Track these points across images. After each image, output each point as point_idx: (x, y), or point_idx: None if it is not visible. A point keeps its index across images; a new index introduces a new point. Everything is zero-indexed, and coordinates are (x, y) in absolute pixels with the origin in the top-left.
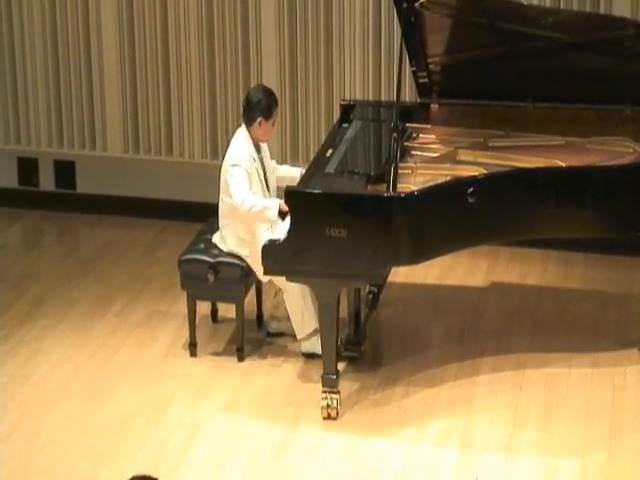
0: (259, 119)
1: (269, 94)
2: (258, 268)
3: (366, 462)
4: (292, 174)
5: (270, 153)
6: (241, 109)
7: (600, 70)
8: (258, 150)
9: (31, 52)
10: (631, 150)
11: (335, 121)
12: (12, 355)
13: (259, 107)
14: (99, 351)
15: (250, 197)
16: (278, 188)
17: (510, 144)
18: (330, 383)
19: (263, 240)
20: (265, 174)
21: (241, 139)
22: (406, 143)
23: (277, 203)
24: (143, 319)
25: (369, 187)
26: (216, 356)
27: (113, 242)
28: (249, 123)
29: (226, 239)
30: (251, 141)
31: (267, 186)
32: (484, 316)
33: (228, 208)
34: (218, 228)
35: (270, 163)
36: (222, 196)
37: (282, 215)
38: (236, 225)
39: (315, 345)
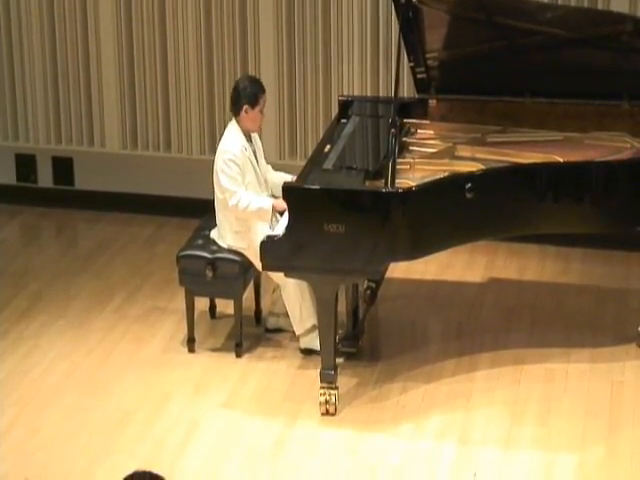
0: (245, 106)
1: (254, 81)
2: (257, 261)
3: (364, 457)
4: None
5: (268, 149)
6: None
7: (598, 65)
8: (249, 139)
9: (29, 48)
10: (629, 145)
11: (333, 117)
12: (10, 351)
13: (244, 94)
14: (97, 347)
15: (244, 197)
16: (273, 195)
17: (508, 139)
18: (328, 379)
19: (261, 235)
20: (257, 163)
21: (231, 132)
22: (404, 139)
23: (271, 203)
24: (141, 315)
25: (367, 183)
26: (214, 352)
27: (111, 238)
28: (237, 112)
29: (224, 235)
30: (241, 132)
31: (260, 174)
32: (482, 312)
33: (222, 203)
34: (216, 224)
35: (261, 152)
36: (216, 191)
37: (279, 213)
38: (230, 219)
39: (313, 341)
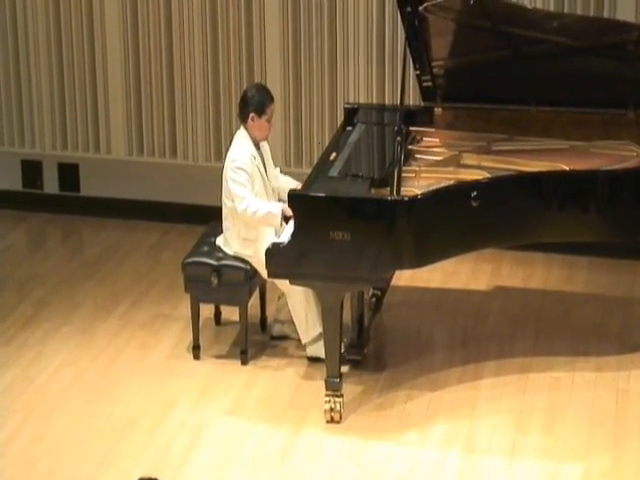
0: (251, 114)
1: (262, 90)
2: (262, 268)
3: (369, 465)
4: (291, 186)
5: (274, 157)
6: None
7: (604, 74)
8: (257, 147)
9: (35, 55)
10: (635, 154)
11: (339, 124)
12: (15, 358)
13: (251, 102)
14: (102, 353)
15: (253, 202)
16: (280, 199)
17: (514, 148)
18: (333, 386)
19: (267, 243)
20: (266, 171)
21: (240, 139)
22: (410, 147)
23: (280, 208)
24: (147, 321)
25: (373, 190)
26: (219, 359)
27: (117, 245)
28: (244, 120)
29: (230, 242)
30: (250, 140)
31: (268, 182)
32: (488, 320)
33: (230, 211)
34: (222, 231)
35: (270, 160)
36: (224, 199)
37: (286, 219)
38: (238, 226)
39: (320, 349)
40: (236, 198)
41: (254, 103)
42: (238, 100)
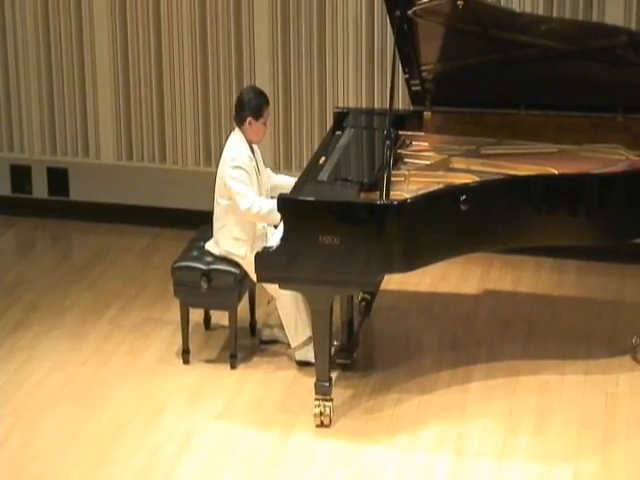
0: (249, 118)
1: (259, 93)
2: (252, 272)
3: (360, 469)
4: (288, 184)
5: (263, 160)
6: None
7: (593, 78)
8: (252, 150)
9: (24, 59)
10: (624, 157)
11: (328, 129)
12: (5, 362)
13: (249, 106)
14: (92, 358)
15: (256, 201)
16: (272, 197)
17: (503, 152)
18: (323, 390)
19: (260, 246)
20: (259, 173)
21: (237, 140)
22: (399, 151)
23: None
24: (136, 326)
25: (362, 195)
26: (209, 363)
27: (106, 249)
28: (240, 123)
29: (220, 242)
30: (245, 142)
31: (261, 185)
32: (477, 323)
33: (224, 210)
34: (211, 236)
35: (262, 164)
36: (217, 198)
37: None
38: (231, 226)
39: (309, 353)
40: (238, 196)
41: (251, 107)
42: (227, 104)
